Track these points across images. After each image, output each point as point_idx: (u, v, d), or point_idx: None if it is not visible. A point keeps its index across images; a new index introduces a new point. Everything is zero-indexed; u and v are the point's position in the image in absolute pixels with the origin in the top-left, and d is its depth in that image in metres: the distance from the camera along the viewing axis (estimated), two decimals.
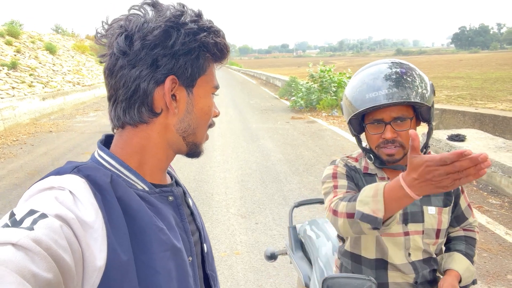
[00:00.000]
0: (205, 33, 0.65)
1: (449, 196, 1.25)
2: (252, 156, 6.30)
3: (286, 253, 1.96)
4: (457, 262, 1.23)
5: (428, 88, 1.14)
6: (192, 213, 0.78)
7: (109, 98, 0.66)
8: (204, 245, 0.79)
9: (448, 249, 1.31)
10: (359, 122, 1.25)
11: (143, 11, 0.64)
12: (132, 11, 0.65)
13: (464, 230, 1.33)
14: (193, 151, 0.73)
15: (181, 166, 5.65)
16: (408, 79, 1.12)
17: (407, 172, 0.84)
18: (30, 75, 12.38)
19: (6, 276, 0.41)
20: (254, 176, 5.24)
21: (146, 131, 0.66)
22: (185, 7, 0.66)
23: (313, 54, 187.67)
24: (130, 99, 0.63)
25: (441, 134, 5.65)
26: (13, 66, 11.90)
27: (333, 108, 10.72)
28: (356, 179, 1.26)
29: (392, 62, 1.17)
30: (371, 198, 0.96)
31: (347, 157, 1.34)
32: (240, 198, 4.44)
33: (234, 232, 3.60)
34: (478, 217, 3.70)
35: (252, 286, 2.74)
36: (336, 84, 11.22)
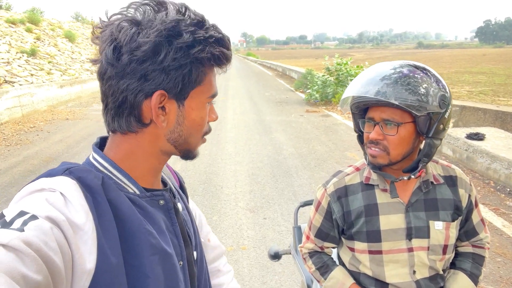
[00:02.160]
0: (200, 47, 0.60)
1: (459, 211, 1.15)
2: (264, 149, 6.25)
3: (290, 253, 1.92)
4: (459, 284, 1.16)
5: (432, 97, 1.00)
6: (184, 220, 0.76)
7: (102, 101, 0.65)
8: (194, 252, 0.77)
9: (453, 265, 1.23)
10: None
11: (140, 12, 0.61)
12: (130, 10, 0.61)
13: (473, 246, 1.24)
14: (187, 155, 0.72)
15: None
16: (409, 80, 1.00)
17: None
18: (49, 62, 12.58)
19: None
20: (265, 170, 5.20)
21: (136, 139, 0.65)
22: (187, 11, 0.62)
23: (331, 46, 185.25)
24: (119, 108, 0.62)
25: (459, 132, 5.47)
26: (33, 53, 12.10)
27: None
28: (342, 204, 1.18)
29: (407, 63, 1.06)
30: None
31: (347, 172, 1.24)
32: (250, 192, 4.41)
33: (242, 226, 3.58)
34: (494, 220, 3.57)
35: (257, 283, 2.72)
36: (353, 78, 11.01)
